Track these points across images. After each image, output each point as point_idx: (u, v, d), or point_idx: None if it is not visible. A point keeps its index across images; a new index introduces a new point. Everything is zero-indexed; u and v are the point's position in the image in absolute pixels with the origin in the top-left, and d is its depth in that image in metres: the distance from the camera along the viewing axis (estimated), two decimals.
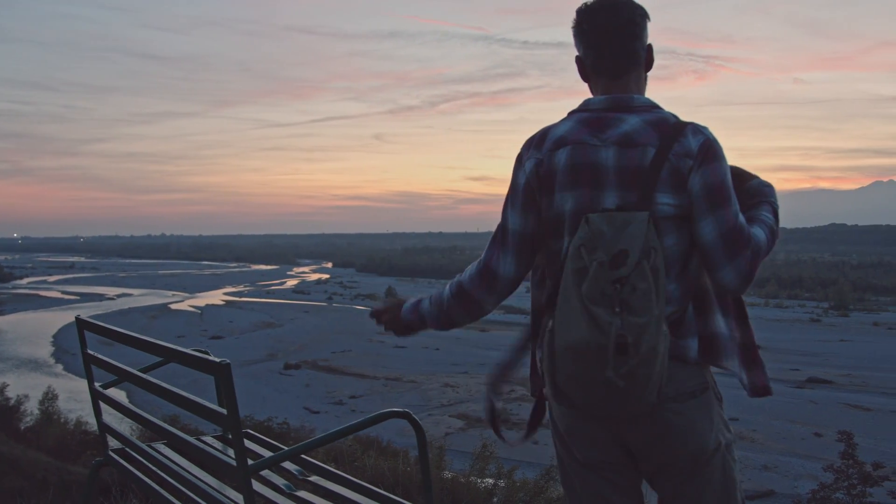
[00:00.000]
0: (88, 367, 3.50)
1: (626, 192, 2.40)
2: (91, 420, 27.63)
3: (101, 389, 3.43)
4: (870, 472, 14.92)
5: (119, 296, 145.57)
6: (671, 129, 2.42)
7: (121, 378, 3.32)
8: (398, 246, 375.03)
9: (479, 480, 8.24)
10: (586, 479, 2.59)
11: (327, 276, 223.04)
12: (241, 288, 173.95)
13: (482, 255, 2.69)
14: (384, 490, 2.98)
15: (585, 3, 2.58)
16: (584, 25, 2.57)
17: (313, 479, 3.18)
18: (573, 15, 2.60)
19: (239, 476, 2.46)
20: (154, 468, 3.24)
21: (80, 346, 3.47)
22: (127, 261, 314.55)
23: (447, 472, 7.36)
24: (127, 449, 3.58)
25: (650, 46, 2.59)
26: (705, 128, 2.47)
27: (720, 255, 2.39)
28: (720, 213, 2.39)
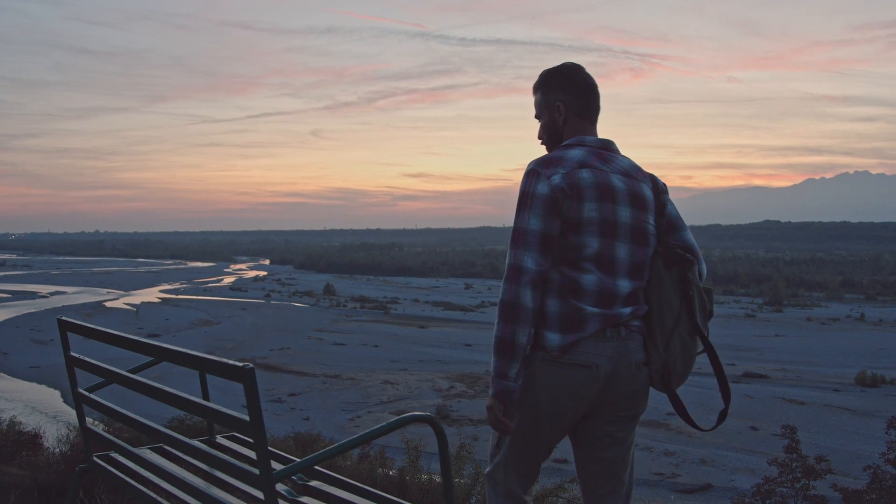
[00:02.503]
0: (72, 370, 3.42)
1: (634, 210, 3.28)
2: (26, 420, 27.17)
3: (85, 393, 3.35)
4: (813, 465, 15.12)
5: (52, 294, 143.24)
6: (649, 175, 3.43)
7: (109, 381, 3.24)
8: (336, 243, 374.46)
9: (457, 480, 8.21)
10: (542, 431, 3.26)
11: (265, 273, 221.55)
12: (177, 285, 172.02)
13: (527, 268, 3.16)
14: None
15: (559, 66, 3.44)
16: (578, 79, 3.42)
17: (314, 483, 3.16)
18: (554, 68, 3.45)
19: (264, 484, 2.44)
20: (148, 473, 3.17)
21: (63, 349, 3.38)
22: (60, 258, 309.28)
23: (423, 475, 7.31)
24: (112, 454, 3.50)
25: None
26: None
27: (699, 253, 3.44)
28: (688, 228, 3.49)
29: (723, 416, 3.46)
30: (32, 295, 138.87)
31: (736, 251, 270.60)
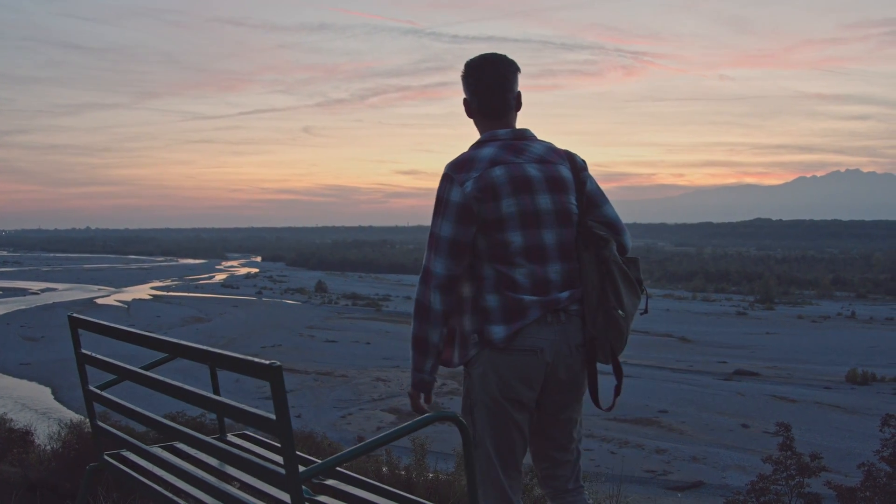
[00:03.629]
0: (82, 368, 3.38)
1: (553, 194, 3.36)
2: (16, 417, 27.06)
3: (97, 390, 3.32)
4: (808, 463, 15.13)
5: (43, 290, 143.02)
6: (566, 154, 3.49)
7: (121, 377, 3.22)
8: (328, 240, 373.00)
9: (460, 479, 8.20)
10: (507, 416, 3.34)
11: (256, 270, 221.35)
12: (168, 282, 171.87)
13: (435, 273, 3.34)
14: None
15: (472, 60, 3.51)
16: (471, 79, 3.48)
17: (330, 482, 3.15)
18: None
19: (290, 485, 2.43)
20: (162, 472, 3.14)
21: (73, 346, 3.35)
22: (51, 255, 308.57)
23: (430, 473, 7.29)
24: (124, 452, 3.47)
25: (519, 93, 3.52)
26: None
27: (621, 225, 3.53)
28: (609, 202, 3.55)
29: (617, 391, 3.52)
30: (23, 292, 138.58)
31: (727, 249, 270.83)
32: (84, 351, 3.29)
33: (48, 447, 17.35)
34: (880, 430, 14.26)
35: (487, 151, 3.36)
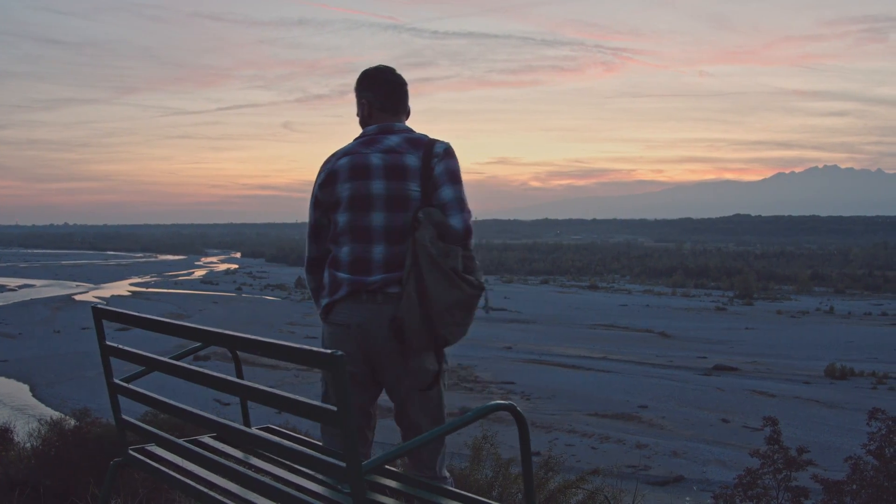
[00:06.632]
0: (107, 360, 3.36)
1: (390, 181, 3.58)
2: None
3: (122, 383, 3.28)
4: (795, 456, 15.20)
5: (20, 287, 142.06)
6: (424, 142, 3.67)
7: (149, 369, 3.20)
8: None
9: (475, 473, 8.19)
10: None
11: (236, 266, 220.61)
12: (147, 279, 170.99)
13: (306, 255, 3.89)
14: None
15: (375, 67, 3.86)
16: (380, 78, 3.82)
17: (370, 477, 3.14)
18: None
19: (353, 478, 2.39)
20: (193, 466, 3.12)
21: (98, 338, 3.33)
22: (28, 251, 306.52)
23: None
24: (149, 447, 3.43)
25: (408, 107, 3.87)
26: (446, 142, 3.72)
27: (453, 206, 3.53)
28: (455, 185, 3.60)
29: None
30: (0, 288, 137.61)
31: (707, 245, 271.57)
32: (109, 343, 3.27)
33: (28, 445, 17.28)
34: (868, 424, 14.33)
35: (349, 145, 3.76)
